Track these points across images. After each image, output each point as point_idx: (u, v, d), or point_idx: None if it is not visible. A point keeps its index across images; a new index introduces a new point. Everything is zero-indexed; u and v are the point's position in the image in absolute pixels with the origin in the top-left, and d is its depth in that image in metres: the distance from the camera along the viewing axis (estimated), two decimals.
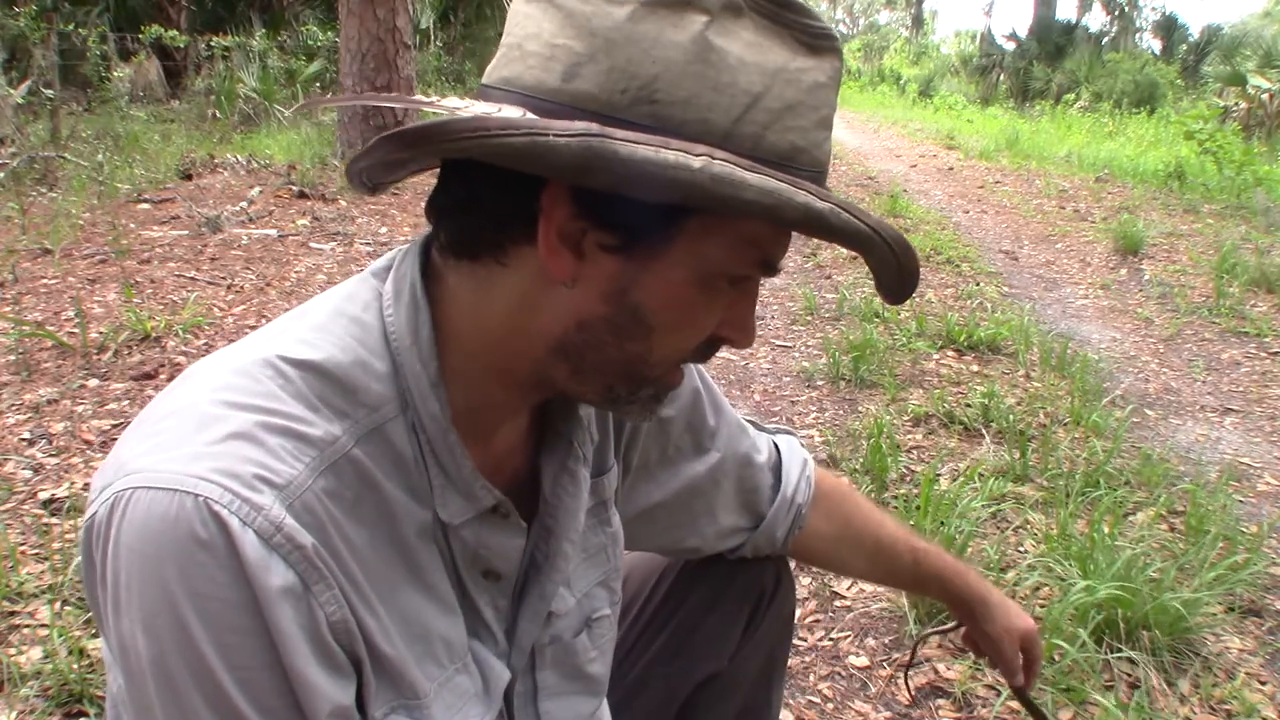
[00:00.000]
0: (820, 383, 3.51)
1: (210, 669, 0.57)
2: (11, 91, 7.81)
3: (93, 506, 0.60)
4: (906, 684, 1.84)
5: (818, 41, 0.63)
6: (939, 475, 2.64)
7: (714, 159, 0.56)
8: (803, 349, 3.93)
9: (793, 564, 1.15)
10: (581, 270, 0.63)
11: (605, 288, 0.64)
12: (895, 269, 0.65)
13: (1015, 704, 1.76)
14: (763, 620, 1.09)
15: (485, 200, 0.64)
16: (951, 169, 10.12)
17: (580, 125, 0.56)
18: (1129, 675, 1.86)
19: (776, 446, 1.08)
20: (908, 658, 1.87)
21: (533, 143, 0.55)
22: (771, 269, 0.68)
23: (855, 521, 1.11)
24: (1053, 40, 21.26)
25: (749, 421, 1.06)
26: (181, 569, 0.56)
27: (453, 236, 0.67)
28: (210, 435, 0.60)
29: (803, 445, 1.12)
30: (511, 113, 0.60)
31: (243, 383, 0.63)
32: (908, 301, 3.90)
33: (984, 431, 3.03)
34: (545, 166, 0.57)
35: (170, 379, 0.69)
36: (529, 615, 0.78)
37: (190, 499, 0.57)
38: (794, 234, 0.66)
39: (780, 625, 1.14)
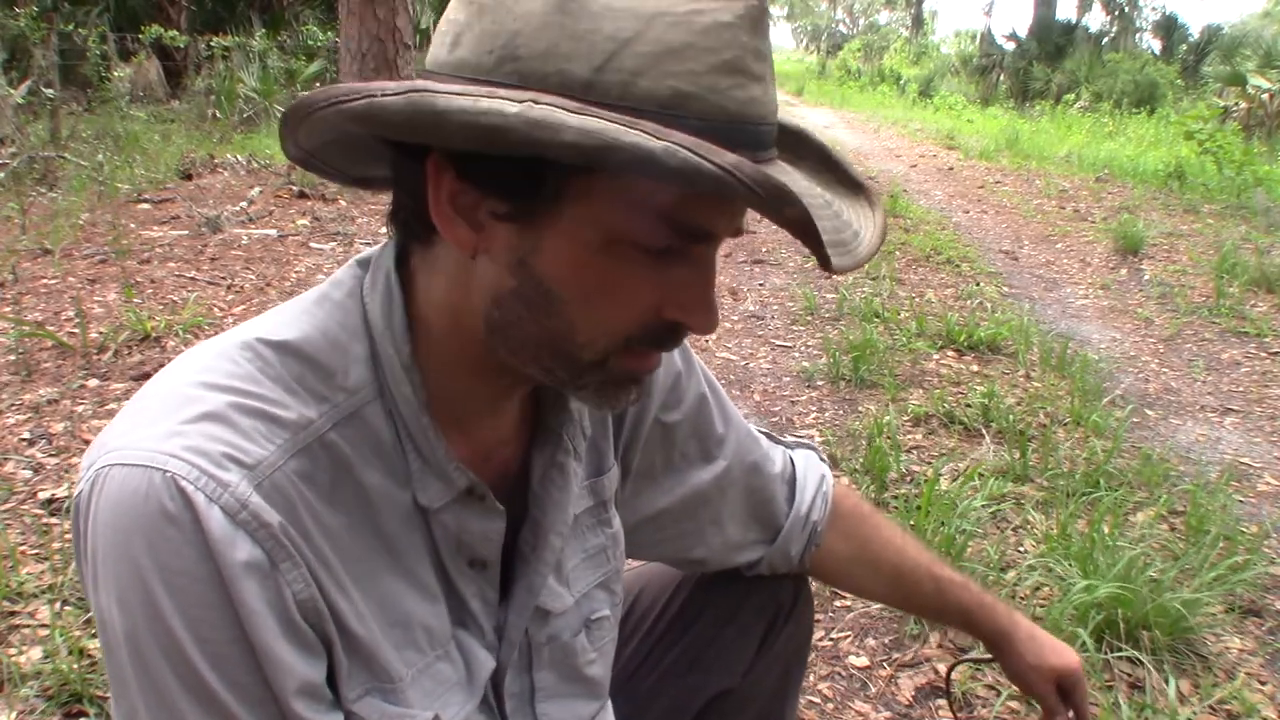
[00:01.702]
0: (820, 383, 3.51)
1: (179, 643, 0.59)
2: (11, 91, 7.81)
3: (79, 485, 0.62)
4: (954, 715, 1.77)
5: None
6: (939, 475, 2.64)
7: (537, 104, 0.53)
8: (803, 349, 3.93)
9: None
10: (482, 241, 0.63)
11: (507, 259, 0.62)
12: (783, 221, 0.55)
13: (1016, 704, 1.76)
14: (778, 637, 1.08)
15: (397, 178, 0.66)
16: (951, 169, 10.11)
17: (407, 83, 0.56)
18: (1129, 675, 1.86)
19: (792, 461, 1.06)
20: (945, 687, 1.76)
21: (369, 104, 0.56)
22: (696, 236, 0.61)
23: (873, 544, 1.08)
24: (1053, 40, 21.25)
25: (763, 433, 1.05)
26: (150, 543, 0.58)
27: (394, 218, 0.69)
28: (184, 415, 0.61)
29: (822, 460, 1.10)
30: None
31: (222, 365, 0.65)
32: (911, 302, 3.84)
33: (984, 431, 3.03)
34: (385, 126, 0.57)
35: None
36: (516, 608, 0.78)
37: (159, 475, 0.58)
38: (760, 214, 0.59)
39: (797, 643, 1.12)
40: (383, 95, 0.55)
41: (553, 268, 0.62)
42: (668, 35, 0.56)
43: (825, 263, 0.59)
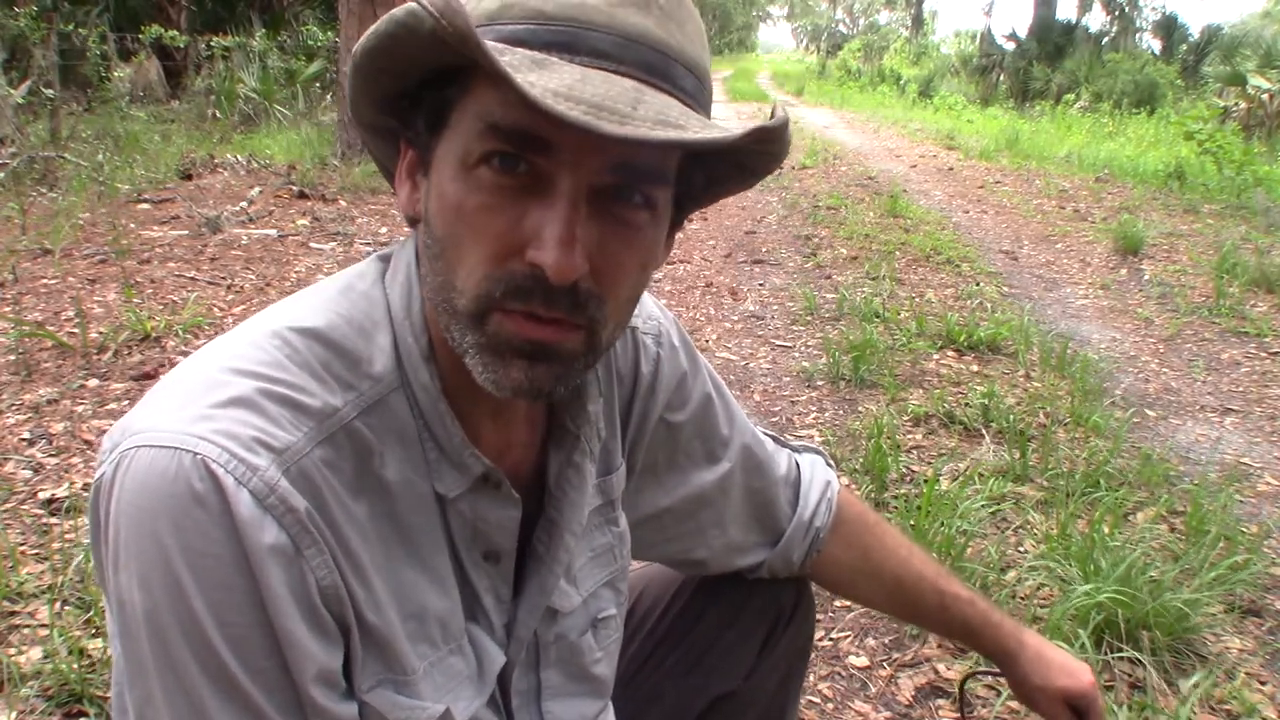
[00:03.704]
0: (820, 383, 3.51)
1: (201, 624, 0.59)
2: (11, 91, 7.81)
3: (101, 467, 0.62)
4: None
5: None
6: (939, 476, 2.64)
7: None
8: (803, 349, 3.93)
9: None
10: (418, 204, 0.67)
11: (422, 214, 0.66)
12: (455, 40, 0.55)
13: (1015, 704, 1.76)
14: (780, 641, 1.08)
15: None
16: (951, 169, 10.11)
17: None
18: (1129, 676, 1.86)
19: (798, 465, 1.05)
20: (958, 701, 1.76)
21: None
22: (524, 141, 0.58)
23: (875, 554, 1.07)
24: (1053, 40, 21.25)
25: (770, 436, 1.04)
26: (177, 524, 0.58)
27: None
28: (213, 399, 0.62)
29: (829, 465, 1.09)
30: None
31: (250, 351, 0.65)
32: (911, 302, 3.82)
33: (984, 431, 3.03)
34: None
35: None
36: (528, 607, 0.78)
37: (189, 457, 0.58)
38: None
39: (798, 646, 1.12)
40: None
41: (432, 206, 0.64)
42: None
43: (518, 93, 0.53)
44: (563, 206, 0.59)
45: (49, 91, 8.18)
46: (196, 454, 0.59)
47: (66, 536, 2.14)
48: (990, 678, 1.82)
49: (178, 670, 0.59)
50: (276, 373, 0.64)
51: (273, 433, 0.61)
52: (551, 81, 0.55)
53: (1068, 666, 1.04)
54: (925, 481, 2.46)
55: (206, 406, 0.61)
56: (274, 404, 0.63)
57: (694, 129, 0.57)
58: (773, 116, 0.61)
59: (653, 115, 0.56)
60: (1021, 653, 1.05)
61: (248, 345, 0.66)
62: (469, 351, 0.64)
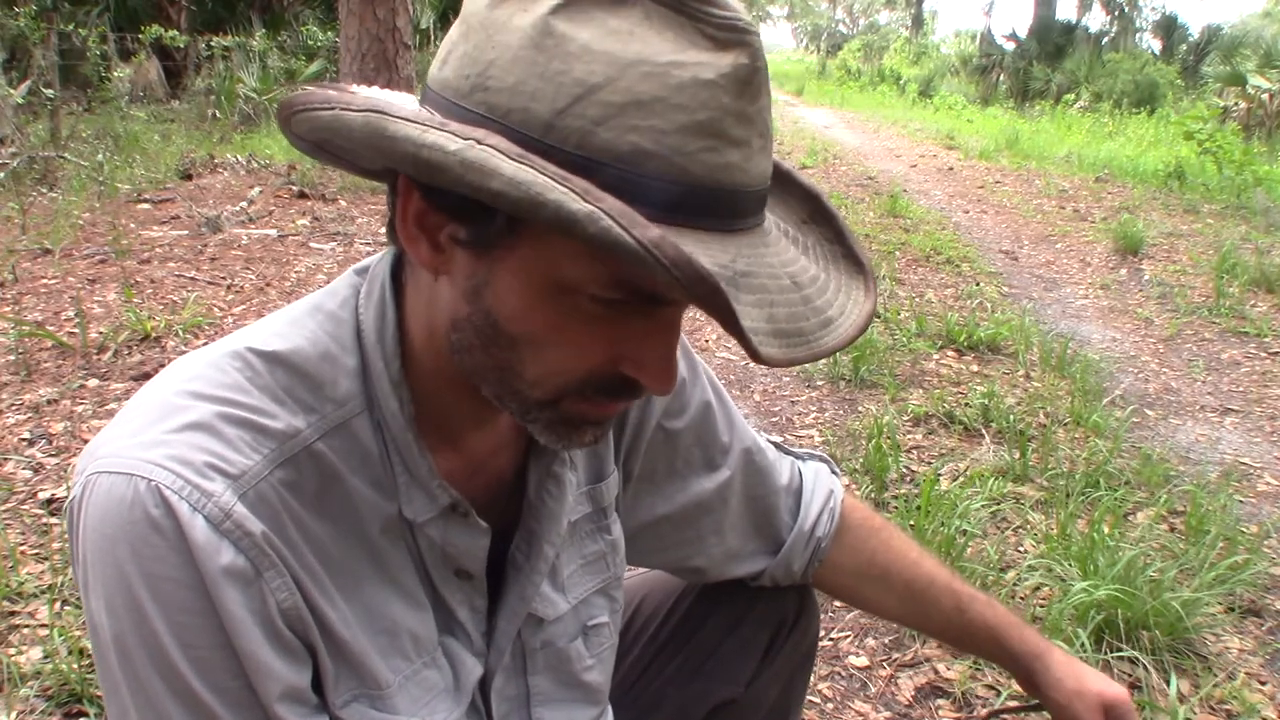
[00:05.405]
0: (820, 383, 3.51)
1: (164, 648, 0.60)
2: (11, 91, 7.80)
3: (71, 491, 0.63)
4: None
5: (720, 34, 0.54)
6: (939, 475, 2.64)
7: (480, 144, 0.50)
8: None
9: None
10: (443, 264, 0.61)
11: (464, 285, 0.61)
12: (703, 306, 0.51)
13: (1016, 703, 1.76)
14: (782, 648, 1.06)
15: (390, 186, 0.65)
16: (951, 169, 10.11)
17: (371, 102, 0.55)
18: (1129, 675, 1.86)
19: (801, 473, 1.03)
20: None
21: (334, 117, 0.55)
22: (649, 298, 0.58)
23: (881, 558, 1.03)
24: (1053, 40, 21.25)
25: (774, 443, 1.03)
26: (135, 550, 0.59)
27: (389, 227, 0.68)
28: (170, 424, 0.62)
29: (834, 473, 1.06)
30: (405, 101, 0.60)
31: (211, 374, 0.65)
32: (911, 302, 3.80)
33: (984, 431, 3.03)
34: (349, 140, 0.56)
35: None
36: (507, 615, 0.78)
37: (144, 483, 0.59)
38: None
39: (801, 654, 1.10)
40: (343, 110, 0.54)
41: (502, 303, 0.60)
42: (639, 86, 0.53)
43: (753, 354, 0.54)
44: (669, 338, 0.62)
45: (49, 91, 8.16)
46: (151, 480, 0.59)
47: (66, 537, 2.14)
48: (1020, 712, 1.68)
49: (147, 691, 0.61)
50: (236, 395, 0.64)
51: (229, 457, 0.62)
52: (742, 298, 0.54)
53: (1098, 674, 1.00)
54: (925, 481, 2.46)
55: (163, 432, 0.62)
56: (232, 427, 0.63)
57: (836, 338, 0.60)
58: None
59: (817, 316, 0.59)
60: (1051, 656, 0.99)
61: (208, 368, 0.66)
62: (534, 424, 0.65)
